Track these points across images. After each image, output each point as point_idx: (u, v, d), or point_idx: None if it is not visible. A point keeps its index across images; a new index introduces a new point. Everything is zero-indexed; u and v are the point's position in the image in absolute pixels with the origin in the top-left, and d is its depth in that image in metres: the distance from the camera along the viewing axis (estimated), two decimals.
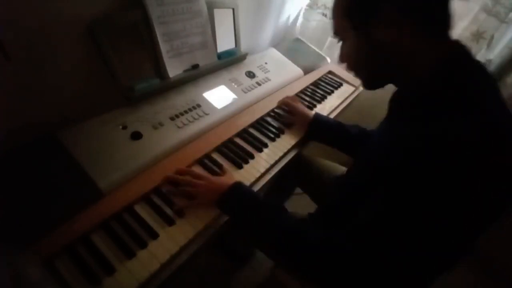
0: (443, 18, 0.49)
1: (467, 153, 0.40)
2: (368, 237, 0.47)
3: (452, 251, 0.50)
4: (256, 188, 0.76)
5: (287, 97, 0.99)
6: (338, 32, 0.57)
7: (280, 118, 0.96)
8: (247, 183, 0.73)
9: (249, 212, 0.61)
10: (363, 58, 0.54)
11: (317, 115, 0.93)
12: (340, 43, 0.58)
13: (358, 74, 0.60)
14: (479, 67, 0.49)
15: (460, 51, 0.49)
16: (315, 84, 1.20)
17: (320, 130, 0.91)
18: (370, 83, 0.60)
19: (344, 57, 0.58)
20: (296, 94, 1.10)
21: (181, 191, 0.65)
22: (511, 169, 0.44)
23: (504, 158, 0.43)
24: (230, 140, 0.83)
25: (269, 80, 1.05)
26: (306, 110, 0.97)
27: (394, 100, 0.57)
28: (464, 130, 0.42)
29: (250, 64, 1.07)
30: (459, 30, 1.15)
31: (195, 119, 0.81)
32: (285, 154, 0.86)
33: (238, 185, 0.63)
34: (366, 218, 0.49)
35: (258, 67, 1.08)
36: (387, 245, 0.46)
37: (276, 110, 1.00)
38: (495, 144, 0.42)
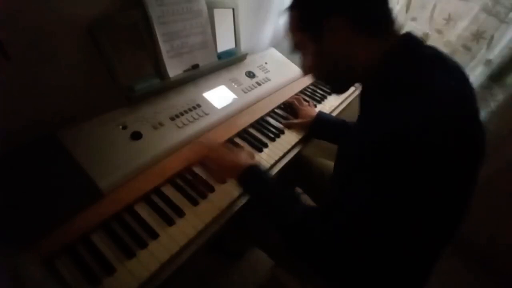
0: (383, 17, 0.54)
1: (420, 136, 0.43)
2: (358, 223, 0.49)
3: (431, 234, 0.52)
4: None
5: (292, 98, 1.03)
6: (297, 45, 0.62)
7: (283, 119, 0.97)
8: None
9: (264, 194, 0.63)
10: (324, 65, 0.59)
11: (319, 114, 0.94)
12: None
13: (323, 80, 0.67)
14: (426, 51, 0.53)
15: (405, 42, 0.53)
16: (315, 84, 1.20)
17: (323, 129, 0.92)
18: (336, 87, 0.66)
19: (307, 69, 0.63)
20: (296, 94, 1.10)
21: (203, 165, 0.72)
22: (467, 140, 0.46)
23: (454, 131, 0.45)
24: (230, 140, 0.83)
25: (269, 80, 1.05)
26: (310, 109, 0.98)
27: (361, 94, 0.61)
28: (414, 114, 0.44)
29: (250, 64, 1.07)
30: (459, 30, 1.15)
31: (195, 119, 0.81)
32: (285, 154, 0.86)
33: (257, 166, 0.66)
34: (352, 205, 0.50)
35: (258, 67, 1.08)
36: (377, 229, 0.48)
37: (276, 110, 1.00)
38: (446, 121, 0.44)
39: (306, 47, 0.60)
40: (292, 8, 0.59)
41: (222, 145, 0.76)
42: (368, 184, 0.47)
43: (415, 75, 0.49)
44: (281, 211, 0.59)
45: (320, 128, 0.92)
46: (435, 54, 0.53)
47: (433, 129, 0.43)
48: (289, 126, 0.94)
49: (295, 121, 0.95)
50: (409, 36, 0.54)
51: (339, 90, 0.67)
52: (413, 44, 0.53)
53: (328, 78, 0.64)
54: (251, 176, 0.64)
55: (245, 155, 0.71)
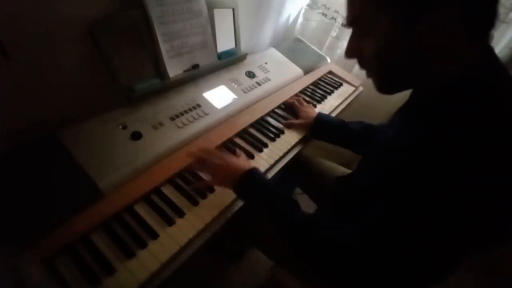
0: (492, 19, 0.43)
1: (477, 160, 0.38)
2: (374, 238, 0.47)
3: (454, 259, 0.49)
4: None
5: (292, 98, 1.02)
6: (361, 20, 0.45)
7: (283, 119, 0.97)
8: None
9: (262, 201, 0.61)
10: (394, 57, 0.45)
11: (319, 115, 0.94)
12: (345, 38, 0.55)
13: (376, 74, 0.50)
14: (504, 73, 0.45)
15: (489, 56, 0.45)
16: (315, 84, 1.20)
17: (323, 130, 0.92)
18: (391, 85, 0.50)
19: (359, 52, 0.48)
20: (296, 94, 1.10)
21: (199, 168, 0.70)
22: None
23: None
24: (230, 140, 0.83)
25: (269, 80, 1.05)
26: (310, 110, 0.98)
27: (414, 100, 0.52)
28: (478, 137, 0.39)
29: (250, 64, 1.07)
30: None
31: (195, 119, 0.81)
32: (285, 154, 0.86)
33: (255, 171, 0.64)
34: (373, 218, 0.47)
35: (258, 67, 1.08)
36: (392, 247, 0.45)
37: (276, 110, 1.00)
38: (505, 154, 0.39)
39: (374, 27, 0.44)
40: None
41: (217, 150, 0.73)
42: (405, 200, 0.43)
43: (491, 100, 0.42)
44: (283, 213, 0.58)
45: (320, 129, 0.92)
46: (509, 78, 0.45)
47: (498, 156, 0.39)
48: (289, 127, 0.94)
49: (295, 121, 0.95)
50: (491, 50, 0.45)
51: (389, 91, 0.51)
52: (494, 64, 0.45)
53: (386, 74, 0.48)
54: (250, 180, 0.63)
55: (243, 160, 0.70)
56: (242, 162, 0.68)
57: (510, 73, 0.45)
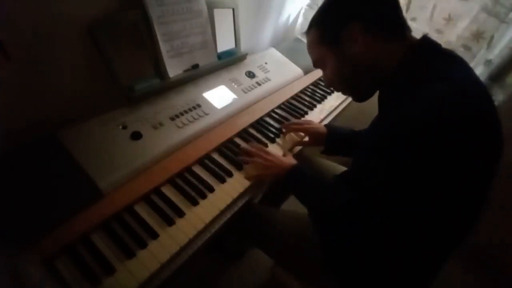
0: (398, 21, 0.57)
1: (443, 119, 0.44)
2: (373, 197, 0.51)
3: (446, 223, 0.53)
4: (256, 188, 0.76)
5: (293, 123, 0.92)
6: (318, 61, 0.66)
7: (283, 119, 0.95)
8: (247, 183, 0.74)
9: (304, 191, 0.69)
10: (346, 74, 0.61)
11: (330, 129, 0.89)
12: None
13: (347, 91, 0.68)
14: (446, 51, 0.55)
15: (423, 43, 0.55)
16: (315, 84, 1.20)
17: (337, 145, 0.88)
18: (360, 95, 0.66)
19: (330, 82, 0.67)
20: (296, 94, 1.10)
21: (253, 161, 0.75)
22: (485, 129, 0.48)
23: (476, 121, 0.46)
24: (230, 140, 0.84)
25: (269, 80, 1.05)
26: (315, 125, 0.91)
27: (381, 97, 0.62)
28: (437, 100, 0.46)
29: (250, 64, 1.07)
30: (459, 30, 1.15)
31: (195, 119, 0.81)
32: (285, 154, 0.86)
33: (299, 167, 0.72)
34: (368, 183, 0.52)
35: (258, 67, 1.08)
36: (389, 204, 0.50)
37: (276, 110, 1.00)
38: (465, 104, 0.46)
39: (326, 61, 0.63)
40: (310, 27, 0.64)
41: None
42: (388, 163, 0.49)
43: (437, 68, 0.51)
44: (324, 201, 0.63)
45: (335, 145, 0.88)
46: (452, 54, 0.55)
47: (458, 114, 0.45)
48: (302, 145, 0.90)
49: (306, 141, 0.90)
50: (427, 38, 0.56)
51: (363, 98, 0.66)
52: (431, 45, 0.55)
53: (351, 88, 0.66)
54: (297, 175, 0.71)
55: (288, 158, 0.77)
56: (287, 159, 0.76)
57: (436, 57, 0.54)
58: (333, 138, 0.88)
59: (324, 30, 0.61)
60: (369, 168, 0.52)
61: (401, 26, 0.57)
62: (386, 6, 0.56)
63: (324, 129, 0.89)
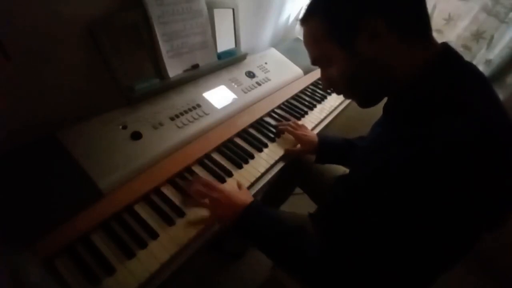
0: (423, 21, 0.48)
1: (458, 155, 0.39)
2: (364, 248, 0.46)
3: (449, 255, 0.48)
4: (256, 187, 0.76)
5: (283, 124, 0.92)
6: (321, 58, 0.54)
7: (283, 119, 0.95)
8: (247, 183, 0.74)
9: (262, 240, 0.59)
10: (357, 77, 0.51)
11: (322, 139, 0.87)
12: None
13: (351, 95, 0.57)
14: (467, 67, 0.48)
15: (446, 53, 0.48)
16: (315, 84, 1.20)
17: (329, 155, 0.88)
18: (366, 100, 0.56)
19: (330, 83, 0.55)
20: (296, 94, 1.10)
21: (199, 203, 0.64)
22: (505, 169, 0.41)
23: (497, 158, 0.40)
24: (230, 140, 0.84)
25: (269, 80, 1.05)
26: (309, 133, 0.90)
27: (388, 106, 0.55)
28: (454, 132, 0.40)
29: (250, 64, 1.07)
30: (459, 30, 1.15)
31: (195, 119, 0.81)
32: (285, 154, 0.86)
33: (253, 207, 0.60)
34: (361, 226, 0.47)
35: (258, 67, 1.08)
36: (383, 254, 0.44)
37: (276, 110, 1.00)
38: (486, 144, 0.40)
39: (332, 59, 0.51)
40: (311, 16, 0.52)
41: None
42: (392, 204, 0.43)
43: (458, 92, 0.44)
44: (293, 249, 0.55)
45: (327, 155, 0.87)
46: (474, 70, 0.48)
47: (477, 148, 0.39)
48: (292, 154, 0.88)
49: (297, 149, 0.88)
50: (448, 47, 0.48)
51: (370, 104, 0.56)
52: (454, 58, 0.48)
53: (359, 92, 0.55)
54: (253, 216, 0.59)
55: (244, 194, 0.66)
56: (240, 195, 0.63)
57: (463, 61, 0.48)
58: (324, 148, 0.87)
59: (334, 23, 0.49)
60: (362, 208, 0.47)
61: (425, 25, 0.48)
62: (413, 1, 0.47)
63: (316, 139, 0.87)
